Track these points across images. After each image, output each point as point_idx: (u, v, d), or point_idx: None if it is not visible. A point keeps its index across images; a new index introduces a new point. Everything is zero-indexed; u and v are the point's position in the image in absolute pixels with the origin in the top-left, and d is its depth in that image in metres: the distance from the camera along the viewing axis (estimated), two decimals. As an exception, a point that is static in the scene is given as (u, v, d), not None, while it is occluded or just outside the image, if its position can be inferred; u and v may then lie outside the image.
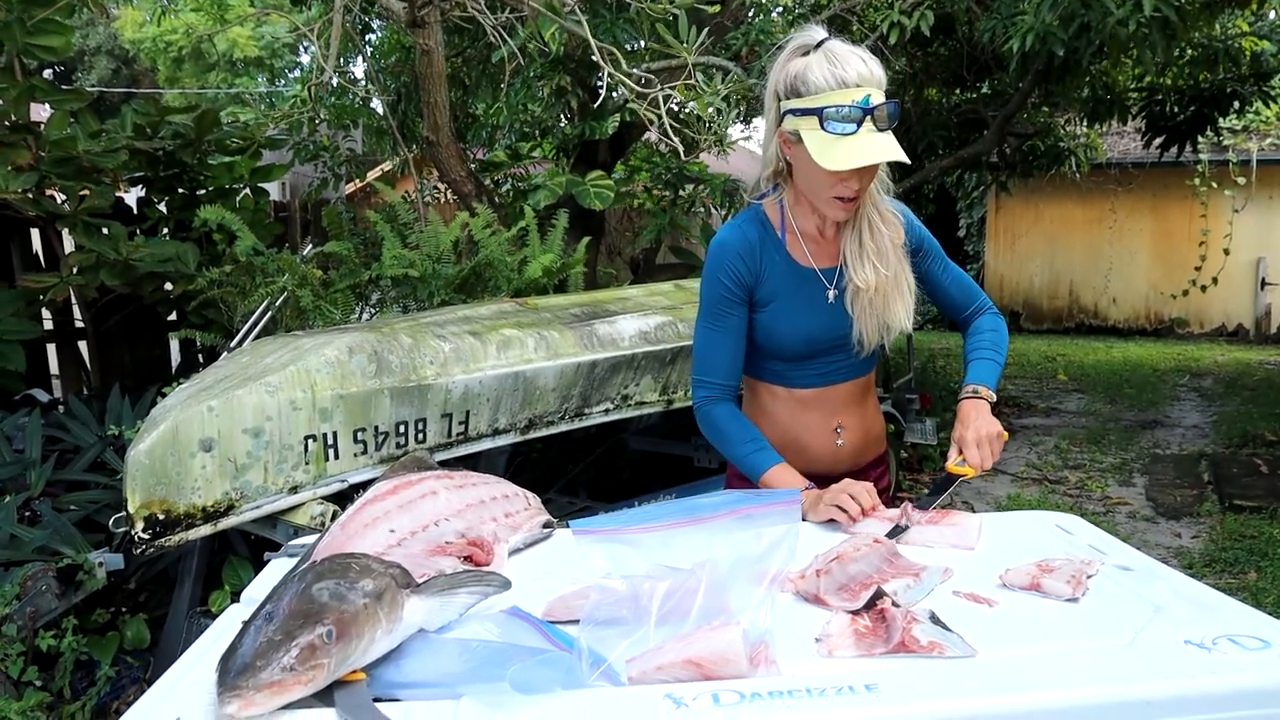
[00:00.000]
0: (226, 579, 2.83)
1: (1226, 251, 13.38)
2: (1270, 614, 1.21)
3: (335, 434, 2.76)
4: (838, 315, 1.83)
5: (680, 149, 3.49)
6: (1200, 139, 8.11)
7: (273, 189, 8.11)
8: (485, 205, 5.79)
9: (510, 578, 1.27)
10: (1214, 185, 13.18)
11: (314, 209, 7.25)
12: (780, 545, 1.20)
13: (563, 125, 7.57)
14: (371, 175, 8.00)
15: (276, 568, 1.43)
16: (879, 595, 1.22)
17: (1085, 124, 8.66)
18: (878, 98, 1.64)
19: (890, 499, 1.85)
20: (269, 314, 4.95)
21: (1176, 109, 7.69)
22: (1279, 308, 13.22)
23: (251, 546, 3.03)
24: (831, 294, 1.83)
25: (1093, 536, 1.55)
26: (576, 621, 1.18)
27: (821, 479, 1.75)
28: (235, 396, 2.50)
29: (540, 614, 1.24)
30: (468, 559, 1.36)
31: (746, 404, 1.97)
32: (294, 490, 2.68)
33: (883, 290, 1.80)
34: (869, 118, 1.63)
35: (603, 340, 3.34)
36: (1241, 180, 13.05)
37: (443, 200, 8.63)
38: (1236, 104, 7.39)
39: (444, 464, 2.86)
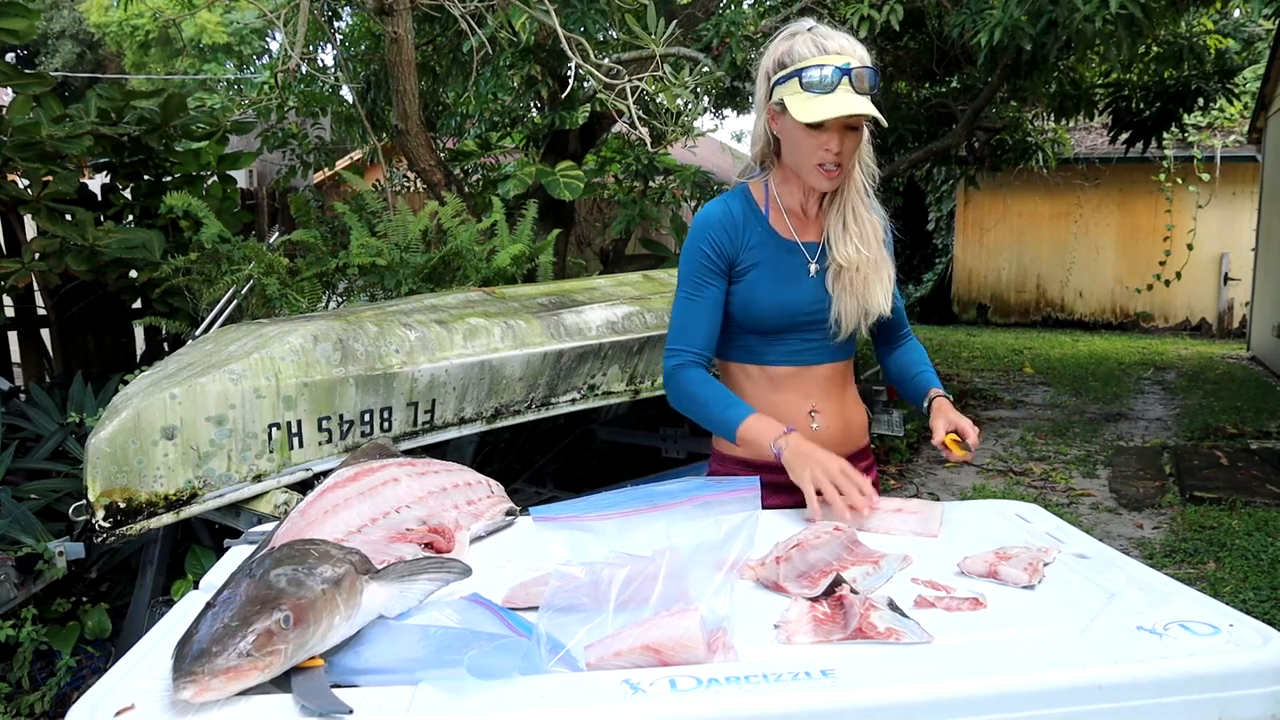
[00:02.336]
0: (189, 568, 2.80)
1: (1190, 247, 13.57)
2: (1228, 603, 1.23)
3: (300, 422, 2.74)
4: (817, 290, 1.84)
5: (648, 139, 3.49)
6: (1165, 135, 8.21)
7: (240, 177, 8.03)
8: (454, 194, 5.77)
9: (471, 565, 1.27)
10: (1179, 181, 13.35)
11: (282, 197, 7.19)
12: (739, 532, 1.20)
13: (533, 115, 7.54)
14: (340, 164, 7.93)
15: (236, 554, 1.42)
16: (838, 582, 1.23)
17: (1053, 119, 8.74)
18: (857, 65, 1.71)
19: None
20: (235, 302, 4.92)
21: (1142, 105, 7.78)
22: (1241, 303, 13.40)
23: (215, 535, 3.01)
24: (813, 267, 1.85)
25: (1051, 525, 1.57)
26: (537, 608, 1.18)
27: None
28: (198, 384, 2.48)
29: (501, 601, 1.24)
30: (428, 546, 1.36)
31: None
32: (258, 479, 2.66)
33: (864, 271, 1.82)
34: (846, 78, 1.69)
35: (570, 330, 3.34)
36: (1206, 177, 13.23)
37: (412, 189, 8.58)
38: (1201, 100, 7.49)
39: (409, 453, 2.85)
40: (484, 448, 4.60)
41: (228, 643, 0.95)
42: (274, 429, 2.68)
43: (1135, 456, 6.43)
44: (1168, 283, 13.74)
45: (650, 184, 8.46)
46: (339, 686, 1.03)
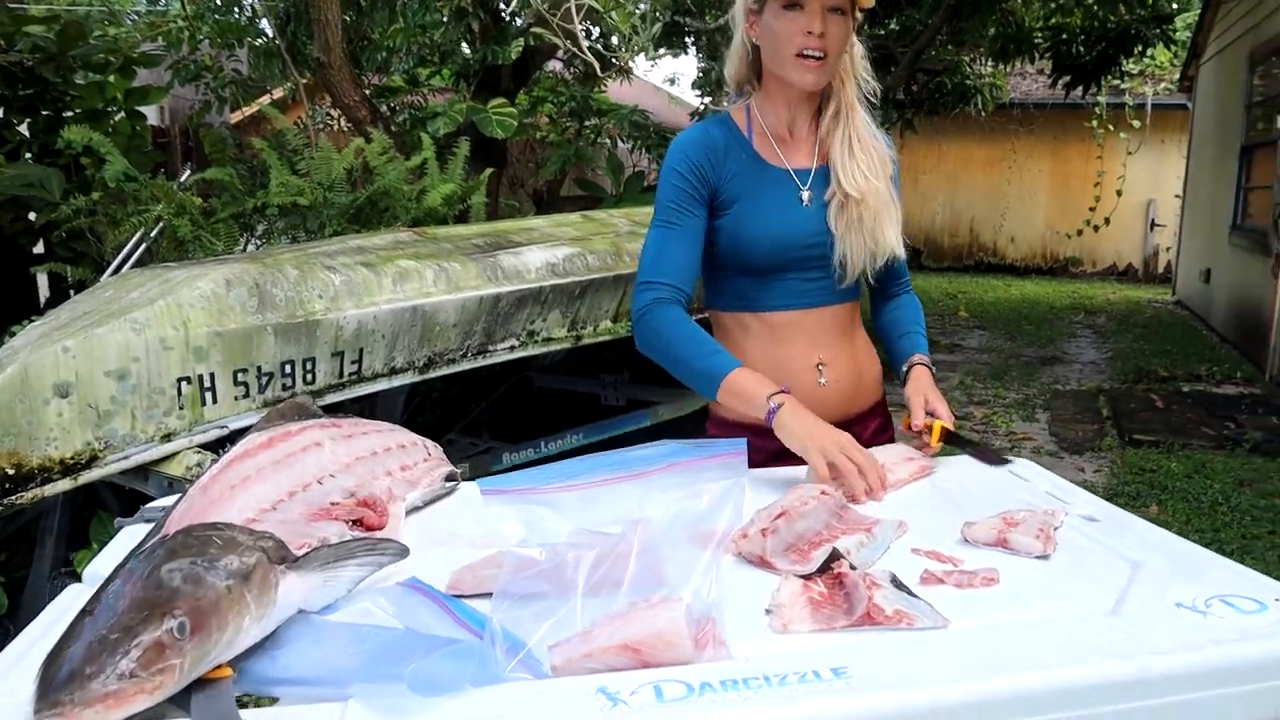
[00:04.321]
0: (94, 536, 2.57)
1: (1119, 193, 13.70)
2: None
3: (212, 375, 2.51)
4: (813, 221, 1.65)
5: (596, 65, 3.27)
6: (1104, 80, 8.18)
7: (151, 114, 7.58)
8: (381, 131, 5.47)
9: (408, 544, 1.09)
10: (1110, 128, 13.42)
11: (196, 135, 6.79)
12: (725, 503, 1.04)
13: (463, 50, 7.21)
14: (260, 103, 7.52)
15: (129, 536, 1.22)
16: (834, 557, 1.08)
17: (992, 63, 8.66)
18: None
19: None
20: (143, 245, 4.61)
21: (1082, 49, 7.72)
22: (1165, 248, 13.62)
23: (123, 500, 2.77)
24: (805, 195, 1.66)
25: (1050, 483, 1.44)
26: (488, 595, 1.01)
27: None
28: (95, 335, 2.23)
29: (445, 587, 1.06)
30: (357, 523, 1.17)
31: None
32: (167, 438, 2.43)
33: (873, 205, 1.62)
34: None
35: (507, 272, 3.13)
36: (1136, 124, 13.31)
37: (336, 128, 8.20)
38: (1140, 45, 7.45)
39: (334, 408, 2.64)
40: (414, 398, 4.39)
41: (105, 661, 0.76)
42: (183, 383, 2.45)
43: (1072, 400, 6.44)
44: (1097, 228, 13.86)
45: (585, 124, 8.20)
46: (251, 699, 0.85)
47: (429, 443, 1.52)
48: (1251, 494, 4.35)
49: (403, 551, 1.09)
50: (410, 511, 1.31)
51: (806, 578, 1.07)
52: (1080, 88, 7.98)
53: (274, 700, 0.86)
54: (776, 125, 1.69)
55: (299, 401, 1.39)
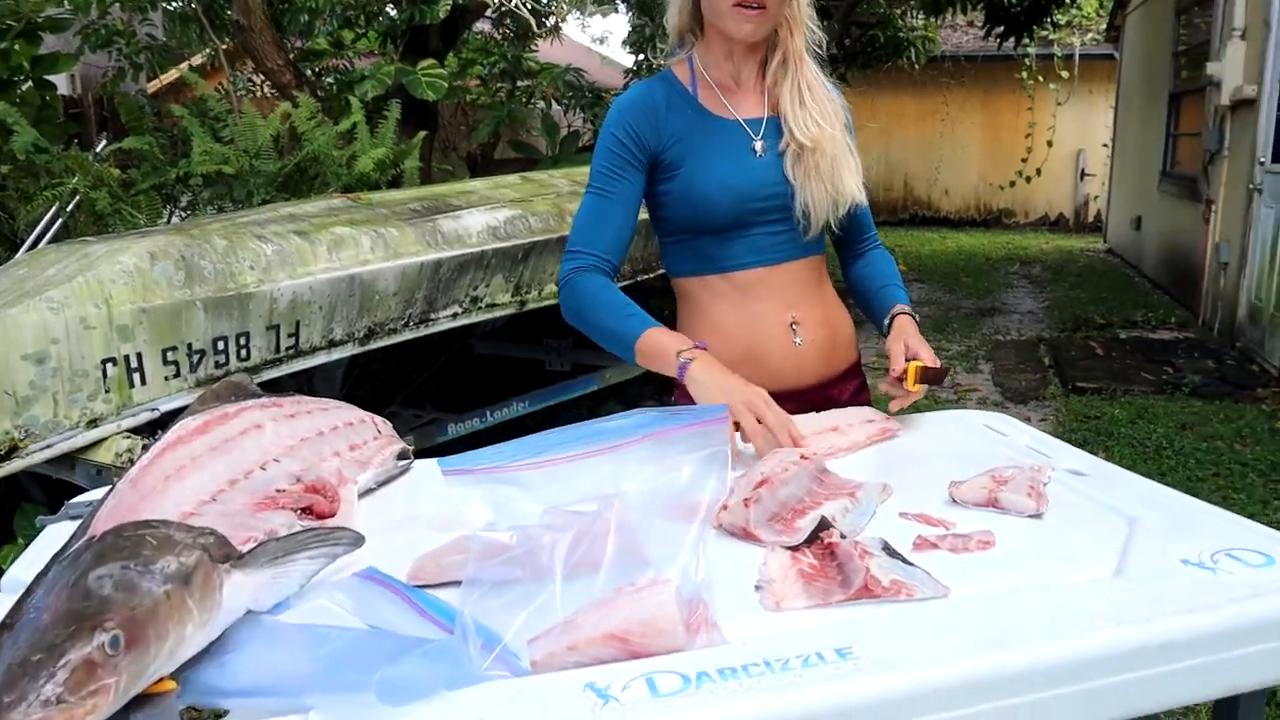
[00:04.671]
0: (19, 530, 2.43)
1: (1050, 144, 13.84)
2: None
3: (140, 355, 2.38)
4: (769, 171, 1.56)
5: (532, 22, 3.15)
6: (1036, 29, 8.20)
7: (61, 83, 7.24)
8: (307, 95, 5.28)
9: (363, 531, 1.01)
10: (1040, 80, 13.52)
11: (111, 104, 6.49)
12: (708, 473, 0.97)
13: (389, 10, 6.97)
14: (179, 69, 7.20)
15: (52, 536, 1.12)
16: (823, 526, 1.02)
17: (924, 16, 8.63)
18: None
19: None
20: (60, 220, 4.39)
21: (1014, 0, 7.72)
22: (1094, 197, 13.82)
23: (50, 491, 2.62)
24: (759, 145, 1.57)
25: (1029, 437, 1.39)
26: (453, 584, 0.93)
27: (787, 397, 1.44)
28: (9, 316, 2.09)
29: (406, 577, 0.98)
30: (306, 511, 1.08)
31: (683, 317, 1.68)
32: (93, 424, 2.30)
33: (829, 152, 1.54)
34: None
35: (447, 237, 3.02)
36: (1065, 74, 13.43)
37: (260, 94, 7.91)
38: (1071, -7, 7.47)
39: (271, 386, 2.52)
40: (353, 371, 4.26)
41: (27, 687, 0.66)
42: (108, 365, 2.32)
43: (1014, 350, 6.49)
44: (1029, 179, 14.01)
45: (517, 85, 8.02)
46: (199, 715, 0.76)
47: (378, 419, 1.42)
48: (1193, 437, 4.41)
49: (358, 540, 1.01)
50: (362, 495, 1.22)
51: (794, 549, 1.00)
52: (1012, 39, 7.99)
53: (224, 713, 0.78)
54: (721, 76, 1.60)
55: (235, 380, 1.29)
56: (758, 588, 0.94)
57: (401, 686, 0.73)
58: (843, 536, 1.00)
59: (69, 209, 4.41)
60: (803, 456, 1.19)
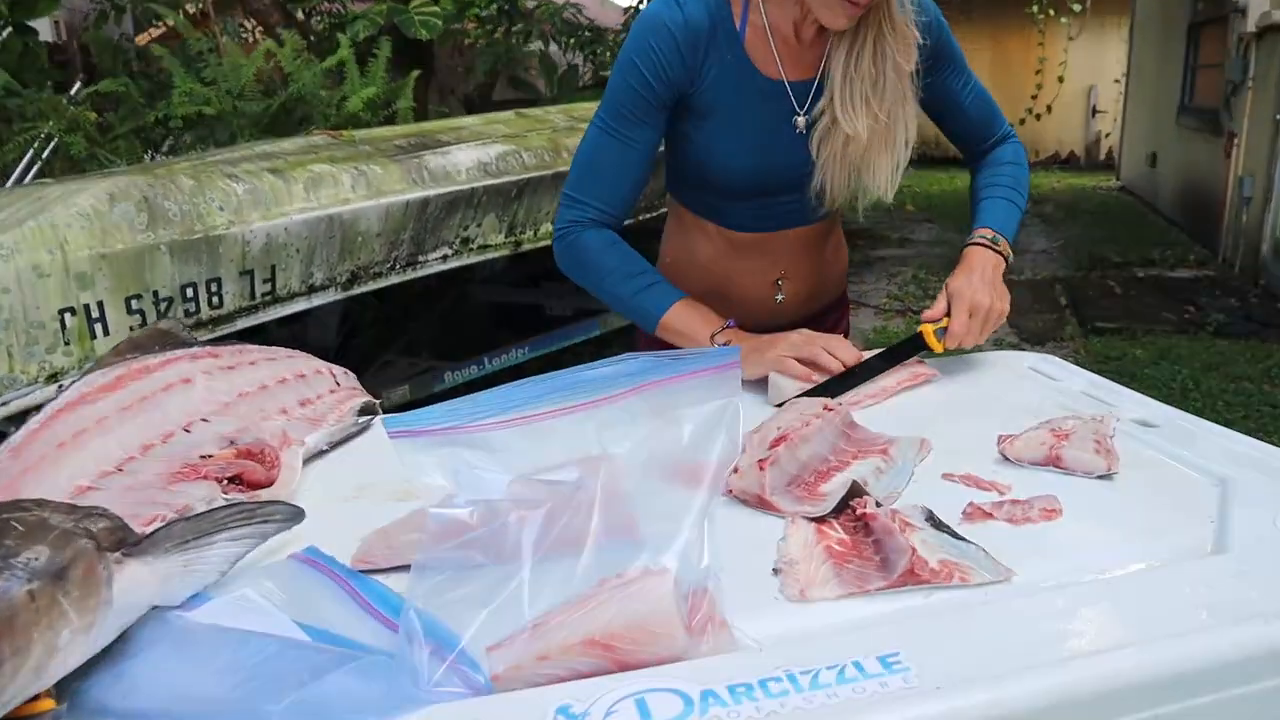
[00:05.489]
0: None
1: (1061, 80, 13.48)
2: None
3: (101, 304, 2.20)
4: (803, 150, 1.31)
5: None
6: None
7: (45, 29, 6.98)
8: (294, 33, 5.05)
9: (305, 503, 0.83)
10: (1051, 13, 13.12)
11: (96, 50, 6.25)
12: (715, 431, 0.79)
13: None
14: (165, 11, 6.94)
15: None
16: (855, 492, 0.84)
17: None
18: None
19: None
20: (35, 166, 4.21)
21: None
22: (1106, 134, 13.50)
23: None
24: (800, 121, 1.30)
25: (1084, 381, 1.22)
26: (406, 569, 0.76)
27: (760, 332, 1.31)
28: (-53, 261, 1.91)
29: (351, 560, 0.81)
30: (236, 480, 0.91)
31: (670, 230, 1.51)
32: (53, 378, 2.13)
33: (864, 141, 1.27)
34: None
35: (435, 174, 2.82)
36: (1077, 7, 13.02)
37: (250, 40, 7.65)
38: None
39: (253, 335, 2.35)
40: (348, 318, 4.10)
41: None
42: (67, 315, 2.14)
43: (1029, 290, 6.29)
44: (1039, 116, 13.65)
45: (514, 25, 7.73)
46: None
47: (338, 369, 1.25)
48: (1220, 378, 4.23)
49: (294, 515, 0.83)
50: (311, 459, 1.05)
51: (820, 520, 0.83)
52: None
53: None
54: (781, 20, 1.27)
55: (163, 327, 1.11)
56: (776, 571, 0.76)
57: (322, 713, 0.56)
58: (878, 505, 0.83)
59: (44, 154, 4.22)
60: (826, 407, 1.01)
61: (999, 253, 1.36)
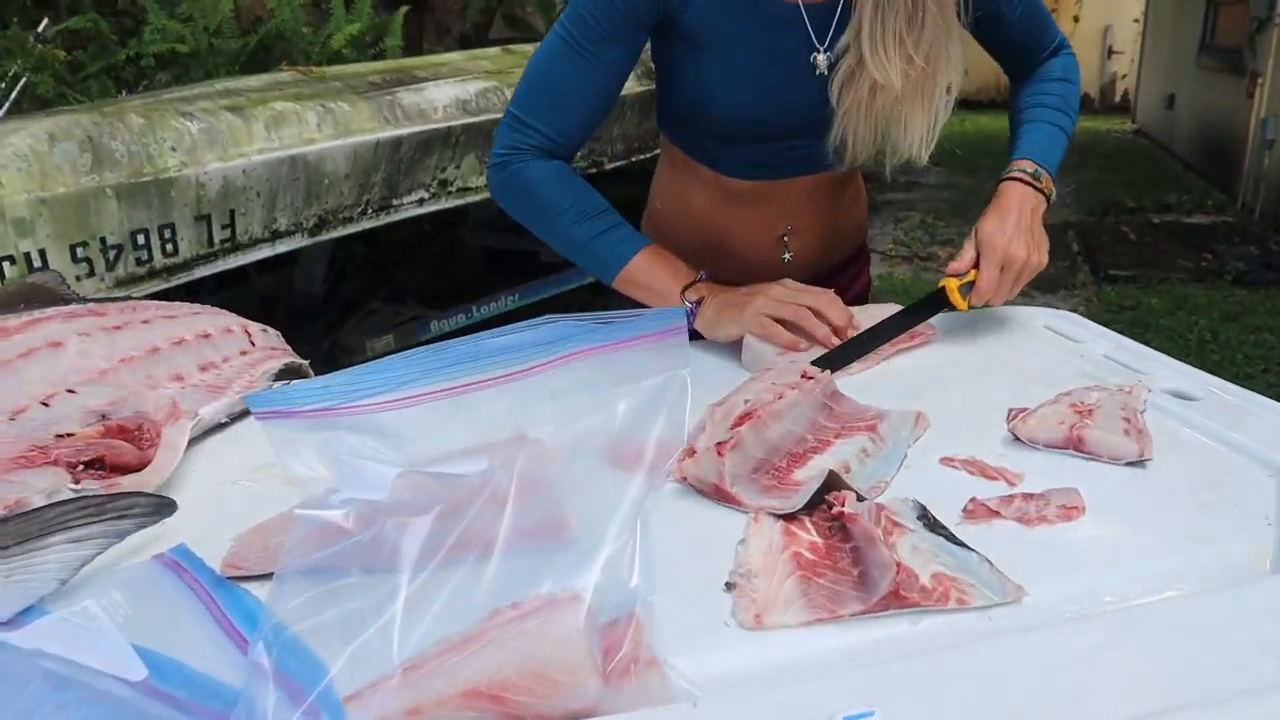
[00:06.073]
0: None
1: (1076, 19, 13.12)
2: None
3: (43, 252, 2.05)
4: (820, 93, 1.10)
5: None
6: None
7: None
8: (274, -33, 4.83)
9: (186, 490, 0.69)
10: (1068, -51, 12.74)
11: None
12: (657, 409, 0.64)
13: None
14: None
15: None
16: (832, 485, 0.69)
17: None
18: None
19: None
20: (3, 107, 4.03)
21: None
22: (1121, 76, 13.17)
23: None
24: (821, 60, 1.08)
25: (1108, 343, 1.06)
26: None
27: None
28: None
29: (221, 564, 0.67)
30: (95, 464, 0.76)
31: (661, 170, 1.32)
32: (-11, 331, 1.98)
33: (897, 90, 1.05)
34: None
35: (408, 112, 2.65)
36: (1095, -58, 12.65)
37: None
38: None
39: (225, 287, 2.20)
40: (334, 265, 3.95)
41: None
42: (5, 264, 1.99)
43: (1040, 237, 6.10)
44: (1054, 57, 13.34)
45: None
46: None
47: (256, 328, 1.09)
48: (1239, 329, 4.06)
49: (158, 509, 0.69)
50: (206, 435, 0.90)
51: (789, 518, 0.68)
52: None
53: None
54: None
55: (37, 281, 0.96)
56: (729, 586, 0.62)
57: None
58: (860, 499, 0.68)
59: (13, 95, 4.05)
60: (805, 375, 0.86)
61: (1040, 190, 1.14)
